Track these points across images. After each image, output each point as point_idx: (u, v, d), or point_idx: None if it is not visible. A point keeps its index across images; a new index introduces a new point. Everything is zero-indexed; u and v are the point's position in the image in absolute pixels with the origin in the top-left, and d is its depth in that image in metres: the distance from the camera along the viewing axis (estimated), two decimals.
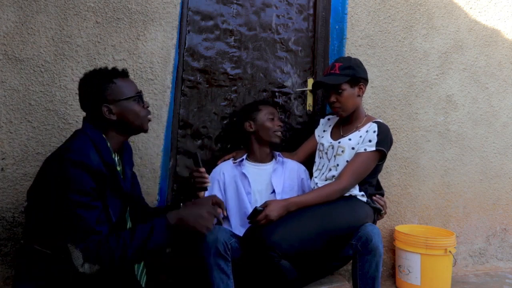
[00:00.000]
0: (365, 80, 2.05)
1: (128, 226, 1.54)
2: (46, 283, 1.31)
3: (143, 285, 1.54)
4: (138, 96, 1.52)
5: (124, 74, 1.53)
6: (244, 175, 2.08)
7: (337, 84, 1.98)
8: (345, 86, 1.99)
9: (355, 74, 1.99)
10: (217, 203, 1.53)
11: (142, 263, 1.57)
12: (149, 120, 1.57)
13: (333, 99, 2.02)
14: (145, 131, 1.56)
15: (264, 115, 2.15)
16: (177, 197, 2.26)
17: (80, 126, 1.96)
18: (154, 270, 1.69)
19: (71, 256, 1.25)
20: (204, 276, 1.70)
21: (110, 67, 1.53)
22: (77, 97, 1.97)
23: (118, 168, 1.51)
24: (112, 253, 1.26)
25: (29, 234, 1.38)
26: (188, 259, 1.85)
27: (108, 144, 1.45)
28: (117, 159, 1.52)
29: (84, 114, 1.55)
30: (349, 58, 2.07)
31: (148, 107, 1.56)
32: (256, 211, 1.73)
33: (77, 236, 1.26)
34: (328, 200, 1.85)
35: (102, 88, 1.46)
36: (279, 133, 2.16)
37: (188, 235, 1.40)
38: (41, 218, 1.32)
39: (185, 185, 1.78)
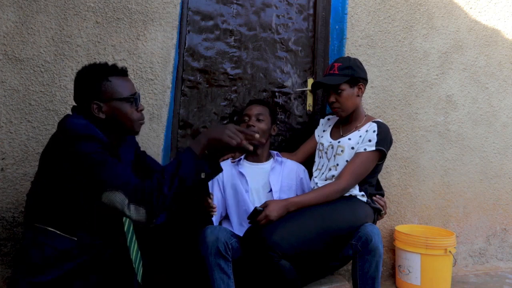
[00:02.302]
0: (365, 80, 2.05)
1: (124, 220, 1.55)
2: (44, 264, 1.32)
3: (139, 280, 1.53)
4: (132, 98, 1.49)
5: (122, 72, 1.50)
6: (241, 173, 2.09)
7: (336, 84, 1.98)
8: (344, 86, 1.99)
9: (354, 74, 1.99)
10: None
11: (139, 256, 1.57)
12: (141, 124, 1.53)
13: (332, 99, 2.02)
14: (136, 133, 1.54)
15: (241, 119, 2.15)
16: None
17: None
18: (154, 270, 1.69)
19: (113, 203, 1.26)
20: (205, 276, 1.71)
21: (110, 63, 1.51)
22: None
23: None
24: (151, 193, 1.28)
25: (32, 215, 1.39)
26: (188, 258, 1.84)
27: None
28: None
29: None
30: (348, 58, 2.07)
31: (142, 110, 1.53)
32: (256, 211, 1.73)
33: (115, 181, 1.27)
34: (328, 200, 1.85)
35: (96, 85, 1.44)
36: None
37: (217, 154, 1.43)
38: (52, 193, 1.35)
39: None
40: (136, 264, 1.54)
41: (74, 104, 1.53)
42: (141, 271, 1.56)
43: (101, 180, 1.28)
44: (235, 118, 2.40)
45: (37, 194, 1.39)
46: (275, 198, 2.05)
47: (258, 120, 2.10)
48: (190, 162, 1.35)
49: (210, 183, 2.12)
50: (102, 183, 1.27)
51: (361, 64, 2.06)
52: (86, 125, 1.34)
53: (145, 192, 1.28)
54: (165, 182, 1.30)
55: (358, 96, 2.04)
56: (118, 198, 1.26)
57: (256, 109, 2.12)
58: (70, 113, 1.52)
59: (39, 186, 1.40)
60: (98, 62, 1.51)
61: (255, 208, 1.74)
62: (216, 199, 2.07)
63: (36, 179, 1.43)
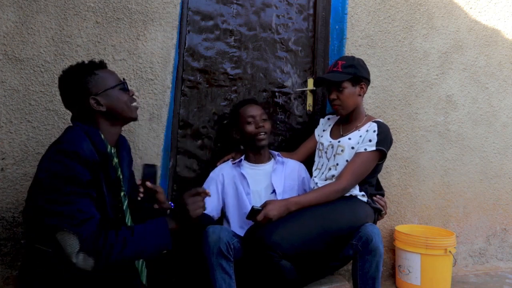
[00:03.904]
0: (367, 80, 2.05)
1: (127, 220, 1.53)
2: (49, 282, 1.30)
3: (144, 282, 1.53)
4: (123, 84, 1.51)
5: (103, 65, 1.52)
6: (242, 175, 2.08)
7: (338, 82, 1.98)
8: (347, 84, 1.99)
9: (357, 73, 1.99)
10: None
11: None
12: (137, 108, 1.55)
13: (333, 96, 2.02)
14: (135, 119, 1.55)
15: (244, 121, 2.07)
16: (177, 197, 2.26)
17: None
18: (156, 270, 1.69)
19: (65, 244, 1.21)
20: (206, 276, 1.70)
21: (87, 61, 1.51)
22: None
23: (115, 160, 1.50)
24: (111, 247, 1.23)
25: (30, 234, 1.37)
26: (190, 258, 1.84)
27: (102, 136, 1.44)
28: (114, 152, 1.51)
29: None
30: (352, 57, 2.07)
31: (133, 94, 1.55)
32: (253, 211, 1.73)
33: (72, 222, 1.22)
34: (328, 200, 1.85)
35: (85, 81, 1.44)
36: (261, 136, 2.05)
37: (189, 230, 1.42)
38: (37, 215, 1.30)
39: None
40: (140, 266, 1.54)
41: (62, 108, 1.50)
42: (145, 272, 1.57)
43: (60, 218, 1.23)
44: (225, 122, 2.38)
45: (31, 210, 1.35)
46: (278, 199, 2.04)
47: (263, 120, 2.09)
48: (159, 237, 1.32)
49: (208, 182, 2.12)
50: (61, 221, 1.23)
51: (364, 64, 2.06)
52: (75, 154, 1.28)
53: (104, 246, 1.22)
54: (131, 245, 1.25)
55: (360, 95, 2.03)
56: (70, 242, 1.21)
57: (257, 109, 2.10)
58: (69, 122, 1.50)
59: (31, 200, 1.35)
60: (74, 63, 1.51)
61: (253, 207, 1.74)
62: (210, 201, 2.03)
63: (30, 189, 1.38)
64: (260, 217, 1.71)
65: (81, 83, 1.44)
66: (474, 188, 2.98)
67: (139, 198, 1.63)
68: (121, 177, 1.53)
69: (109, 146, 1.47)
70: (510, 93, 3.10)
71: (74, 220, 1.23)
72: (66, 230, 1.22)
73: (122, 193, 1.52)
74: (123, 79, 1.54)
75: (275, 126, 2.49)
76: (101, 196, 1.36)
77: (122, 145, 1.61)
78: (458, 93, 2.92)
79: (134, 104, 1.55)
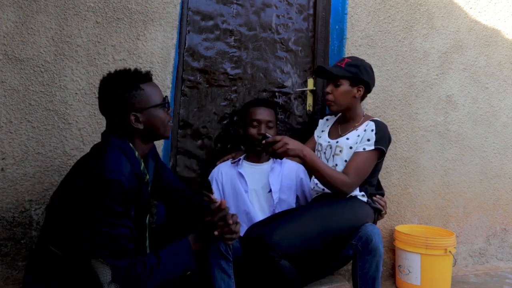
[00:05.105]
0: (367, 84, 2.02)
1: (147, 234, 1.52)
2: (58, 284, 1.30)
3: None
4: (165, 102, 1.45)
5: (149, 77, 1.44)
6: (240, 174, 2.09)
7: (336, 75, 1.97)
8: (344, 82, 1.98)
9: (358, 74, 1.98)
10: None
11: None
12: (171, 127, 1.49)
13: (329, 89, 2.01)
14: (167, 137, 1.50)
15: (249, 121, 2.08)
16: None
17: (80, 126, 1.97)
18: None
19: (97, 272, 1.24)
20: (205, 275, 1.70)
21: (132, 68, 1.43)
22: (77, 97, 1.98)
23: (147, 177, 1.47)
24: (138, 278, 1.26)
25: (47, 235, 1.35)
26: None
27: (137, 154, 1.40)
28: (144, 167, 1.47)
29: (98, 117, 1.51)
30: (361, 60, 2.05)
31: (171, 111, 1.50)
32: (265, 137, 1.74)
33: (107, 253, 1.24)
34: (330, 180, 1.81)
35: (129, 95, 1.36)
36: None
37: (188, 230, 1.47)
38: (65, 226, 1.30)
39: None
40: None
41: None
42: None
43: (97, 247, 1.25)
44: (234, 118, 2.40)
45: (57, 216, 1.34)
46: (274, 198, 2.05)
47: (268, 127, 2.07)
48: (188, 259, 1.40)
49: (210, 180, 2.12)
50: (98, 250, 1.24)
51: (371, 70, 2.04)
52: (119, 181, 1.28)
53: (133, 277, 1.26)
54: (157, 272, 1.30)
55: (355, 97, 2.02)
56: (103, 272, 1.23)
57: (266, 114, 2.07)
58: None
59: (60, 208, 1.34)
60: (120, 69, 1.43)
61: (265, 135, 1.75)
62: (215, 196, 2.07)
63: (58, 195, 1.37)
64: (278, 146, 1.70)
65: (125, 97, 1.37)
66: (474, 188, 2.98)
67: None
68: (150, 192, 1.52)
69: (142, 164, 1.43)
70: (510, 93, 3.11)
71: (109, 251, 1.24)
72: (100, 260, 1.23)
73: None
74: (166, 96, 1.47)
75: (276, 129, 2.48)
76: (130, 219, 1.35)
77: (149, 151, 1.57)
78: (458, 93, 2.92)
79: (171, 123, 1.49)
